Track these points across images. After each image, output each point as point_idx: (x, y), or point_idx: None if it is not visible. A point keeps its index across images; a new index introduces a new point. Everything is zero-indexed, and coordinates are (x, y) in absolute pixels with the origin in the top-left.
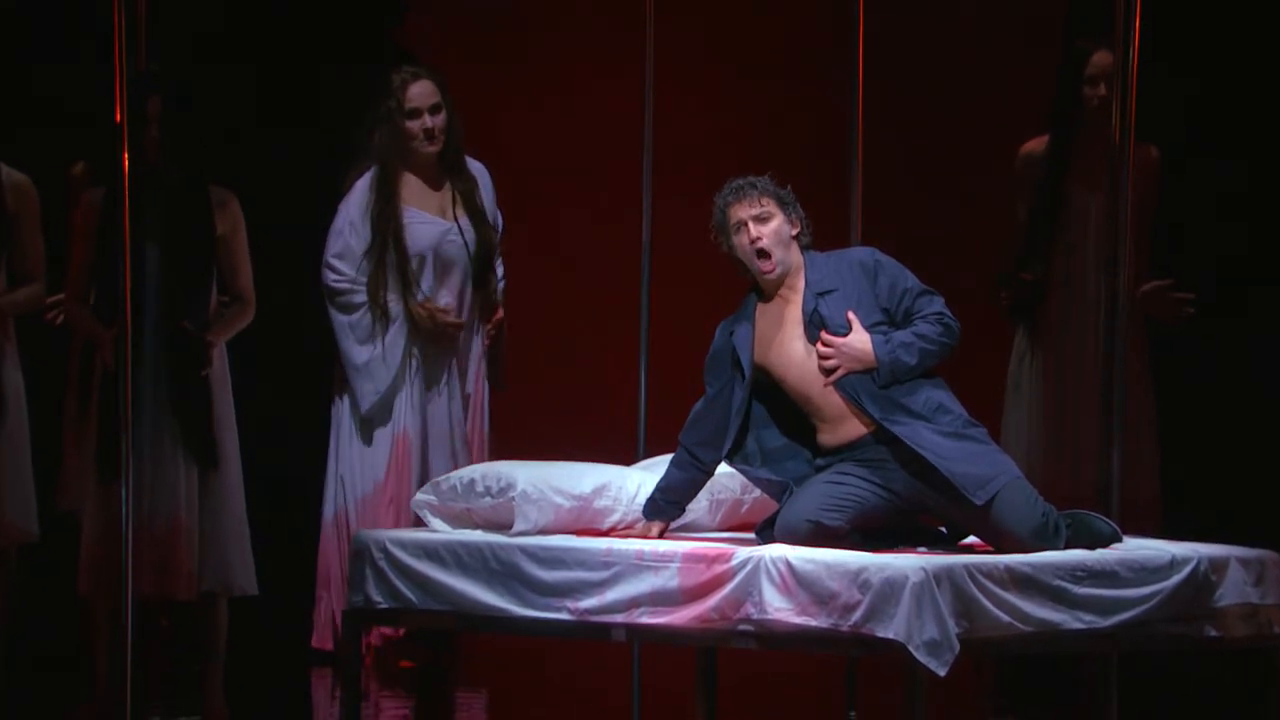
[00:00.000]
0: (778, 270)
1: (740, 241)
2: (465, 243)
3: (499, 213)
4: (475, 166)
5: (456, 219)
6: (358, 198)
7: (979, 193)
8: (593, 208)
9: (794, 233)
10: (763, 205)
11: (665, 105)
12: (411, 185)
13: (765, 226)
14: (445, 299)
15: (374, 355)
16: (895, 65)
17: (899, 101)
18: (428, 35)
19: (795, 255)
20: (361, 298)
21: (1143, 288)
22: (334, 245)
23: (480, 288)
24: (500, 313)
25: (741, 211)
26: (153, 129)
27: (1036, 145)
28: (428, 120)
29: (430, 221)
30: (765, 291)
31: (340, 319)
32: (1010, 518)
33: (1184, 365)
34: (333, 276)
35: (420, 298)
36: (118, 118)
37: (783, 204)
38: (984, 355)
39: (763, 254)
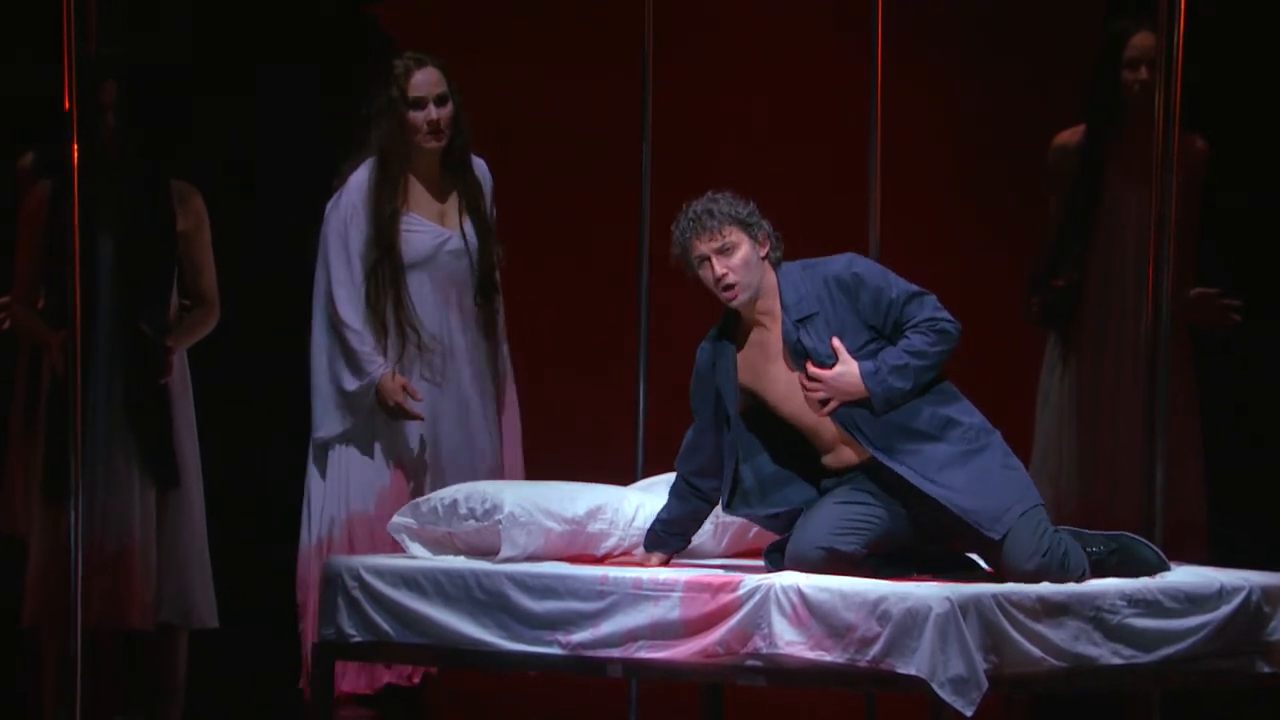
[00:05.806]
0: (742, 297)
1: (705, 276)
2: (469, 252)
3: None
4: (478, 166)
5: (461, 226)
6: (353, 193)
7: (1007, 189)
8: (590, 204)
9: (762, 254)
10: (724, 236)
11: (667, 96)
12: (411, 188)
13: (731, 259)
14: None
15: (362, 387)
16: (914, 48)
17: (919, 88)
18: (409, 17)
19: (767, 277)
20: (379, 357)
21: (1187, 294)
22: (345, 307)
23: (483, 302)
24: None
25: (703, 245)
26: (108, 117)
27: (1071, 136)
28: (433, 112)
29: (428, 230)
30: (742, 314)
31: (342, 351)
32: (1011, 550)
33: (1232, 377)
34: (355, 340)
35: (418, 319)
36: (66, 104)
37: (747, 227)
38: (1012, 366)
39: (727, 287)
